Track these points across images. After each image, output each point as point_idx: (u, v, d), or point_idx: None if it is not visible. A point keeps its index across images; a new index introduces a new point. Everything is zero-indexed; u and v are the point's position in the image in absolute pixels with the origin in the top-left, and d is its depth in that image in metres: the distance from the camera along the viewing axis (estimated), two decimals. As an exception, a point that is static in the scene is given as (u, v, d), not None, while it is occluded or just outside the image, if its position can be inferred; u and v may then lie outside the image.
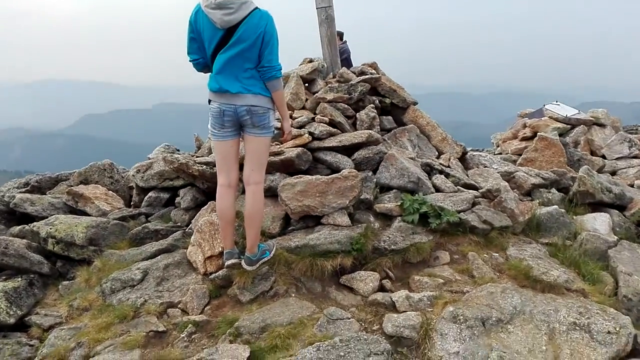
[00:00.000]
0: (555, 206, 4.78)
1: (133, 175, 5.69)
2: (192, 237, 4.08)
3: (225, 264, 3.59)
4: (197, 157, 5.28)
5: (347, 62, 10.75)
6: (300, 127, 5.01)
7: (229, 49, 3.24)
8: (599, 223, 4.74)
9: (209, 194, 4.93)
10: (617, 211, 5.07)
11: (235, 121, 3.41)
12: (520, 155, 6.85)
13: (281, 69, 3.38)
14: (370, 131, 4.92)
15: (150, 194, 5.54)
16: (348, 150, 4.92)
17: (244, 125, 3.44)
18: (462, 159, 5.97)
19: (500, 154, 7.98)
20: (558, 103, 8.19)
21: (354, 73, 5.75)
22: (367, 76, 5.49)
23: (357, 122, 5.19)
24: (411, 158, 5.16)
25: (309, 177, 4.26)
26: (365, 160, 4.85)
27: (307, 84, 5.86)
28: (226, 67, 3.28)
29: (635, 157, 7.42)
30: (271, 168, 4.56)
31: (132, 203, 5.86)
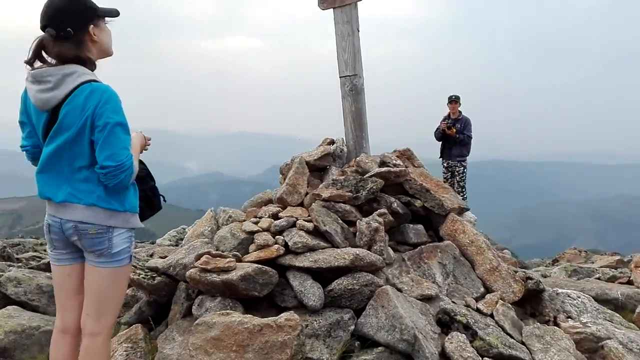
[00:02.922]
0: None
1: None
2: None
3: None
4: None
5: (466, 138, 8.25)
6: (278, 233, 3.76)
7: (53, 139, 2.25)
8: None
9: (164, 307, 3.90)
10: None
11: (66, 241, 2.35)
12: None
13: (130, 166, 2.22)
14: (358, 251, 3.44)
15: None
16: (335, 272, 3.49)
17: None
18: (534, 298, 3.98)
19: (632, 283, 5.48)
20: None
21: (376, 162, 4.31)
22: (383, 169, 4.00)
23: (357, 234, 3.73)
24: (427, 298, 3.49)
25: (235, 316, 2.98)
26: (348, 293, 3.36)
27: (322, 172, 4.60)
28: (50, 164, 2.28)
29: None
30: (213, 290, 3.38)
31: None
